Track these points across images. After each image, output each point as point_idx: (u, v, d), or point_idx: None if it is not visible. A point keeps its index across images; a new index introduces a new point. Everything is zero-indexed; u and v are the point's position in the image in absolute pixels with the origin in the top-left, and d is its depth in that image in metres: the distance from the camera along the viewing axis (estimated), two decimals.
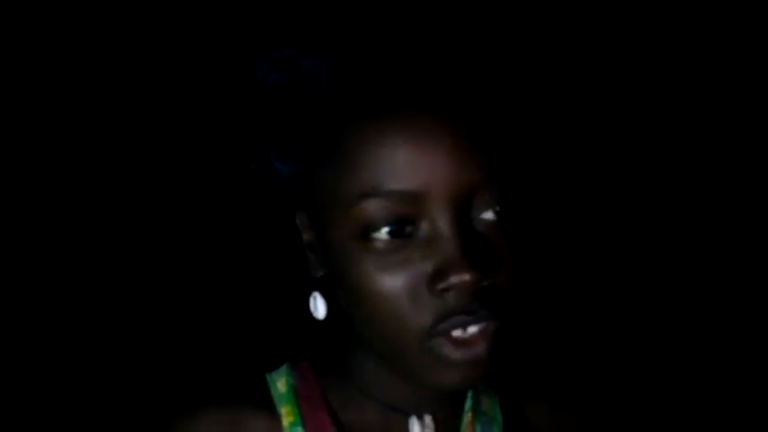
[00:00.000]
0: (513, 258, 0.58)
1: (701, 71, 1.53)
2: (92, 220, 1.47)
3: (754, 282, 1.55)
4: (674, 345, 1.57)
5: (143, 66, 1.44)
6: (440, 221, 0.56)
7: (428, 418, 0.64)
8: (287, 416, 0.67)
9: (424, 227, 0.57)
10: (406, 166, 0.56)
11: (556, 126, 1.43)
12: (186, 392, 0.72)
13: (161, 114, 1.46)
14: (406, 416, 0.65)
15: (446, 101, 0.57)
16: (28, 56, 1.41)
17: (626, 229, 1.58)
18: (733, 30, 1.50)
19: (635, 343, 1.57)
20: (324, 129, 0.60)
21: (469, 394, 0.70)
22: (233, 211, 1.41)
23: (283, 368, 0.71)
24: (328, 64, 0.60)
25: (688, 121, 1.55)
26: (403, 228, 0.56)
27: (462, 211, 0.57)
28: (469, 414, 0.69)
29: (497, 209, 0.58)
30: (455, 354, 0.57)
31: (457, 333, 0.56)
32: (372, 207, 0.56)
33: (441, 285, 0.55)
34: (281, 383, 0.69)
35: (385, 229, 0.56)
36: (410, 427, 0.64)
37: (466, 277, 0.55)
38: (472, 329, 0.57)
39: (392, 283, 0.56)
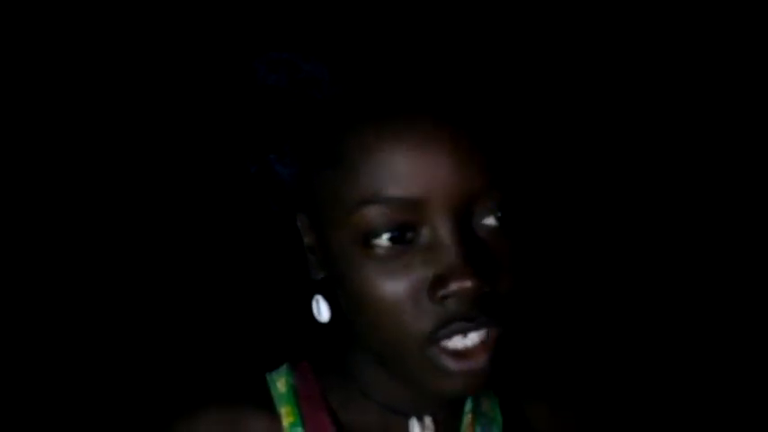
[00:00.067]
0: (514, 264, 0.58)
1: (701, 71, 1.52)
2: (92, 220, 1.47)
3: (755, 282, 1.55)
4: (674, 345, 1.57)
5: (143, 67, 1.44)
6: (441, 228, 0.56)
7: (428, 420, 0.64)
8: (287, 416, 0.67)
9: (425, 233, 0.57)
10: (406, 172, 0.55)
11: (557, 131, 1.43)
12: (186, 392, 0.72)
13: (161, 116, 1.46)
14: (406, 417, 0.65)
15: (447, 107, 0.57)
16: (28, 56, 1.41)
17: (626, 230, 1.58)
18: (733, 30, 1.50)
19: (635, 343, 1.57)
20: (324, 132, 0.60)
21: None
22: (233, 212, 1.41)
23: (283, 368, 0.71)
24: (329, 68, 0.60)
25: (688, 121, 1.55)
26: (404, 234, 0.56)
27: (463, 218, 0.57)
28: (469, 415, 0.69)
29: (499, 215, 0.58)
30: (455, 365, 0.57)
31: (457, 340, 0.56)
32: (373, 213, 0.56)
33: (441, 292, 0.55)
34: (280, 383, 0.69)
35: (386, 236, 0.56)
36: (410, 429, 0.64)
37: (467, 284, 0.54)
38: (473, 336, 0.56)
39: (393, 288, 0.56)
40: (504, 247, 0.58)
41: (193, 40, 1.42)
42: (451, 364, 0.57)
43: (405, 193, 0.55)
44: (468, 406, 0.69)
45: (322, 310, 0.64)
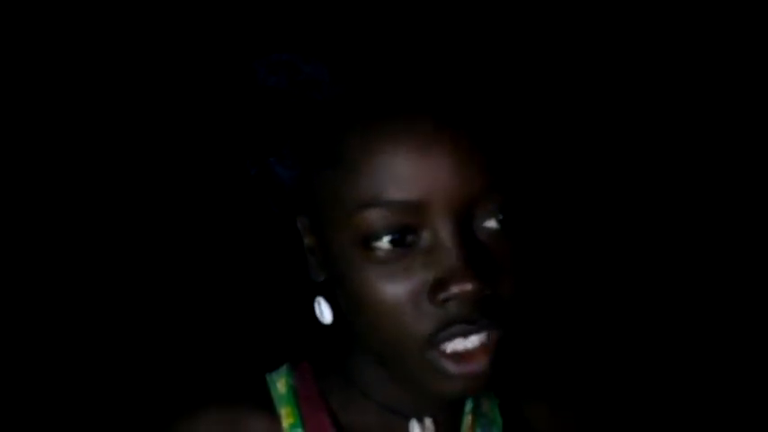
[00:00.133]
0: (515, 267, 0.58)
1: (701, 71, 1.52)
2: (92, 221, 1.47)
3: (755, 282, 1.55)
4: (674, 345, 1.57)
5: (143, 68, 1.44)
6: (441, 231, 0.56)
7: (428, 421, 0.64)
8: (287, 417, 0.67)
9: (426, 236, 0.57)
10: (407, 174, 0.55)
11: (558, 134, 1.43)
12: (186, 392, 0.72)
13: (162, 118, 1.46)
14: (407, 418, 0.65)
15: (447, 109, 0.57)
16: (28, 56, 1.41)
17: (626, 231, 1.58)
18: (733, 30, 1.50)
19: (635, 343, 1.57)
20: (324, 134, 0.60)
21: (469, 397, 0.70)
22: (234, 213, 1.41)
23: (283, 369, 0.71)
24: (329, 70, 0.60)
25: (688, 123, 1.55)
26: (404, 237, 0.56)
27: (464, 220, 0.57)
28: (470, 416, 0.69)
29: (500, 217, 0.58)
30: (455, 368, 0.57)
31: (457, 342, 0.56)
32: (373, 216, 0.56)
33: (442, 295, 0.55)
34: (280, 384, 0.69)
35: (386, 238, 0.56)
36: (410, 430, 0.64)
37: (467, 287, 0.54)
38: (473, 338, 0.56)
39: (393, 291, 0.56)
40: (505, 249, 0.58)
41: (193, 42, 1.42)
42: (452, 367, 0.57)
43: (405, 196, 0.55)
44: (469, 407, 0.69)
45: (324, 311, 0.64)
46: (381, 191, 0.56)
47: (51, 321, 1.45)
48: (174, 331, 1.48)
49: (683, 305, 1.58)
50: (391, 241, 0.56)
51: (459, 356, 0.57)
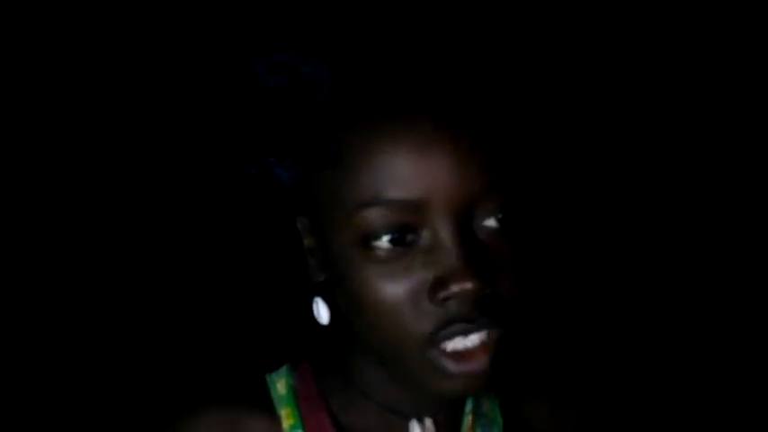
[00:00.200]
0: (514, 266, 0.58)
1: (701, 71, 1.52)
2: (93, 221, 1.47)
3: (755, 282, 1.55)
4: (674, 345, 1.57)
5: (143, 69, 1.44)
6: (441, 230, 0.56)
7: (429, 421, 0.64)
8: (287, 418, 0.67)
9: (426, 235, 0.57)
10: (406, 174, 0.55)
11: (558, 133, 1.43)
12: (186, 392, 0.72)
13: (162, 118, 1.46)
14: (407, 419, 0.65)
15: (447, 109, 0.57)
16: (28, 56, 1.41)
17: (626, 231, 1.58)
18: (733, 30, 1.50)
19: (635, 343, 1.57)
20: (324, 135, 0.60)
21: (470, 397, 0.70)
22: (234, 213, 1.41)
23: (283, 369, 0.71)
24: (329, 70, 0.60)
25: (688, 123, 1.54)
26: (404, 236, 0.56)
27: (464, 220, 0.57)
28: (470, 416, 0.69)
29: (499, 216, 0.58)
30: (455, 367, 0.57)
31: (458, 341, 0.56)
32: (373, 215, 0.56)
33: (442, 294, 0.55)
34: (280, 385, 0.69)
35: (386, 238, 0.56)
36: (410, 431, 0.64)
37: (467, 286, 0.54)
38: (473, 337, 0.57)
39: (393, 290, 0.56)
40: (505, 248, 0.58)
41: (193, 43, 1.42)
42: (452, 366, 0.57)
43: (405, 195, 0.55)
44: (469, 407, 0.69)
45: (321, 312, 0.64)
46: (381, 190, 0.56)
47: (51, 321, 1.45)
48: (174, 332, 1.48)
49: (684, 305, 1.58)
50: (391, 240, 0.56)
51: (459, 355, 0.57)
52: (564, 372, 1.36)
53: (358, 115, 0.58)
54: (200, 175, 1.46)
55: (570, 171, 1.51)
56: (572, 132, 1.49)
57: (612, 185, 1.57)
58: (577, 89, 1.47)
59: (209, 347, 1.47)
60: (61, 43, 1.42)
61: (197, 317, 1.49)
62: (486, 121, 0.58)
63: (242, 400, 0.68)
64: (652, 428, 1.54)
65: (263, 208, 0.67)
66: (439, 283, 0.56)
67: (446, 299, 0.56)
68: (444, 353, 0.57)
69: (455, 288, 0.55)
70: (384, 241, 0.56)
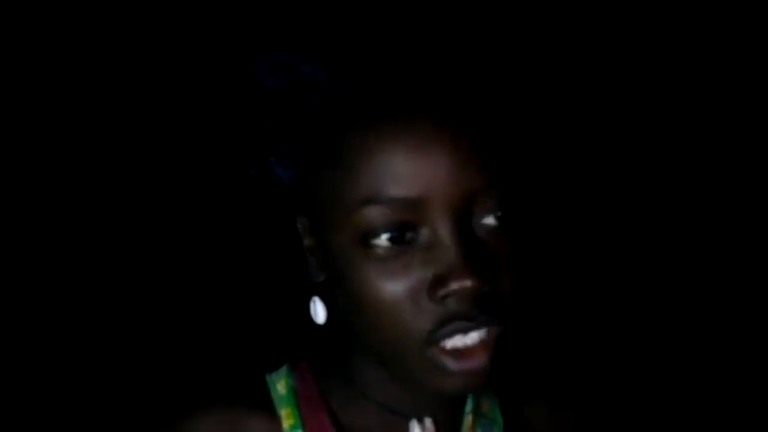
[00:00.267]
0: (514, 264, 0.58)
1: (701, 71, 1.52)
2: (92, 221, 1.47)
3: (755, 282, 1.55)
4: (674, 345, 1.57)
5: (143, 69, 1.44)
6: (440, 228, 0.56)
7: (428, 421, 0.64)
8: (287, 418, 0.67)
9: (425, 233, 0.57)
10: (406, 172, 0.55)
11: (557, 130, 1.43)
12: (186, 393, 0.72)
13: (161, 118, 1.46)
14: (407, 418, 0.65)
15: (446, 107, 0.57)
16: (28, 56, 1.41)
17: (626, 231, 1.58)
18: (733, 30, 1.50)
19: (635, 343, 1.57)
20: (323, 134, 0.60)
21: (470, 396, 0.70)
22: (234, 213, 1.41)
23: (283, 369, 0.71)
24: (328, 70, 0.60)
25: (688, 121, 1.54)
26: (403, 234, 0.56)
27: (463, 217, 0.57)
28: (470, 416, 0.69)
29: (498, 214, 0.58)
30: (455, 365, 0.57)
31: (457, 339, 0.57)
32: (373, 214, 0.56)
33: (441, 292, 0.55)
34: (280, 385, 0.69)
35: (385, 236, 0.56)
36: (410, 431, 0.64)
37: (467, 283, 0.55)
38: (473, 335, 0.57)
39: (392, 289, 0.56)
40: (504, 246, 0.58)
41: (193, 43, 1.42)
42: (451, 364, 0.57)
43: (405, 193, 0.56)
44: (469, 407, 0.69)
45: (318, 311, 0.64)
46: (381, 188, 0.56)
47: (51, 321, 1.45)
48: (174, 332, 1.48)
49: (683, 305, 1.58)
50: (390, 239, 0.56)
51: (458, 353, 0.57)
52: (564, 372, 1.36)
53: (357, 115, 0.58)
54: (200, 176, 1.46)
55: (570, 169, 1.51)
56: (572, 131, 1.49)
57: (612, 184, 1.57)
58: (577, 88, 1.47)
59: (209, 348, 1.46)
60: (61, 43, 1.42)
61: (197, 317, 1.49)
62: (486, 119, 0.58)
63: (242, 400, 0.68)
64: (652, 428, 1.54)
65: (263, 208, 0.67)
66: (438, 281, 0.56)
67: (446, 296, 0.56)
68: (444, 351, 0.57)
69: (455, 286, 0.55)
70: (383, 239, 0.56)
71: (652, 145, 1.56)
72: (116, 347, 1.47)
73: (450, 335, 0.56)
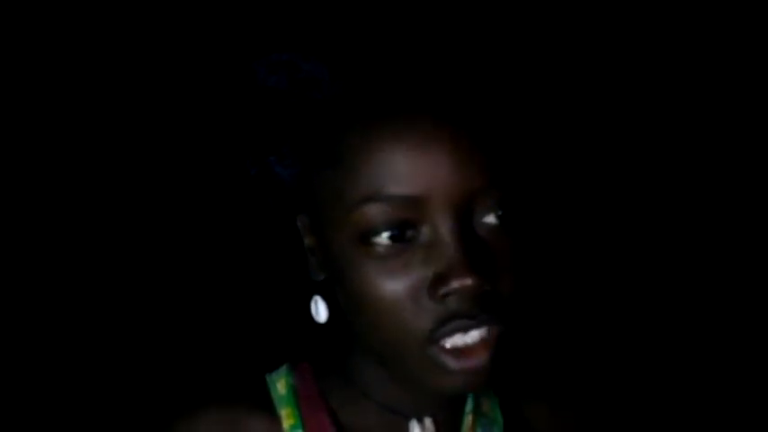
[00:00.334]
0: (514, 263, 0.58)
1: (701, 71, 1.52)
2: (92, 221, 1.47)
3: (755, 282, 1.55)
4: (674, 345, 1.57)
5: (143, 68, 1.44)
6: (441, 226, 0.56)
7: (428, 421, 0.64)
8: (287, 418, 0.67)
9: (426, 231, 0.57)
10: (406, 170, 0.55)
11: (557, 130, 1.43)
12: (186, 393, 0.72)
13: (162, 118, 1.46)
14: (407, 418, 0.65)
15: (447, 105, 0.57)
16: (28, 56, 1.41)
17: (626, 230, 1.58)
18: (733, 30, 1.50)
19: (635, 343, 1.57)
20: (324, 133, 0.60)
21: (470, 396, 0.70)
22: (234, 212, 1.41)
23: (283, 369, 0.71)
24: (329, 68, 0.60)
25: (688, 121, 1.55)
26: (404, 232, 0.56)
27: (464, 216, 0.57)
28: (470, 416, 0.69)
29: (499, 213, 0.58)
30: (455, 364, 0.57)
31: (458, 338, 0.56)
32: (373, 212, 0.56)
33: (442, 290, 0.55)
34: (280, 385, 0.69)
35: (386, 234, 0.56)
36: (410, 431, 0.64)
37: (467, 282, 0.55)
38: (473, 333, 0.57)
39: (393, 287, 0.56)
40: (505, 245, 0.58)
41: (193, 42, 1.42)
42: (452, 363, 0.57)
43: (405, 191, 0.56)
44: (469, 407, 0.69)
45: (320, 310, 0.64)
46: (381, 186, 0.56)
47: (51, 321, 1.45)
48: (174, 332, 1.48)
49: (684, 305, 1.57)
50: (391, 237, 0.56)
51: (459, 352, 0.57)
52: (564, 372, 1.36)
53: (358, 113, 0.58)
54: (201, 175, 1.46)
55: (570, 168, 1.51)
56: (572, 130, 1.49)
57: (612, 184, 1.57)
58: (577, 87, 1.47)
59: (209, 347, 1.46)
60: (61, 43, 1.42)
61: (197, 317, 1.49)
62: (486, 118, 0.58)
63: (242, 400, 0.68)
64: (652, 428, 1.54)
65: (263, 207, 0.67)
66: (439, 280, 0.56)
67: (446, 295, 0.56)
68: (444, 349, 0.57)
69: (455, 284, 0.55)
70: (384, 238, 0.56)
71: (652, 144, 1.56)
72: (116, 347, 1.47)
73: (451, 333, 0.56)
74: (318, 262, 0.64)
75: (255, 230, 1.36)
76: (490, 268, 0.56)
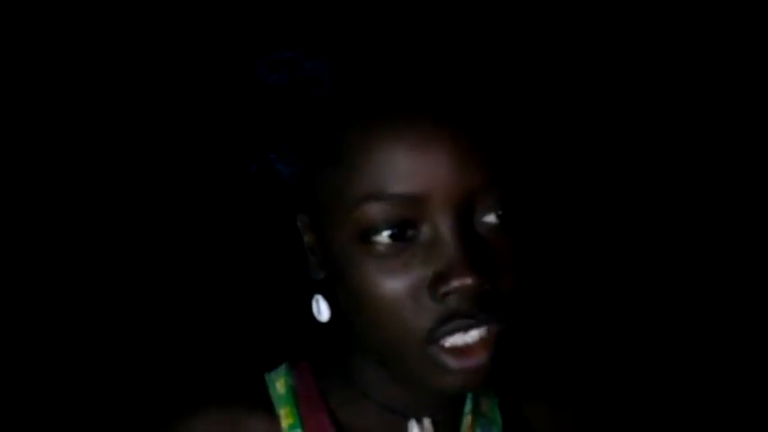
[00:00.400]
0: (515, 262, 0.58)
1: (701, 71, 1.52)
2: (92, 220, 1.47)
3: (755, 282, 1.55)
4: (674, 345, 1.57)
5: (144, 67, 1.44)
6: (441, 225, 0.56)
7: (427, 422, 0.64)
8: (286, 417, 0.67)
9: (426, 230, 0.57)
10: (407, 169, 0.55)
11: (558, 129, 1.43)
12: (186, 392, 0.72)
13: (162, 116, 1.46)
14: (406, 418, 0.65)
15: (447, 104, 0.57)
16: (28, 56, 1.41)
17: (626, 230, 1.58)
18: (733, 30, 1.50)
19: (635, 343, 1.57)
20: (325, 131, 0.60)
21: (469, 396, 0.69)
22: (234, 211, 1.41)
23: (282, 368, 0.71)
24: (330, 66, 0.60)
25: (688, 121, 1.55)
26: (404, 231, 0.56)
27: (464, 215, 0.57)
28: (469, 416, 0.69)
29: (499, 212, 0.58)
30: (455, 363, 0.57)
31: (457, 337, 0.56)
32: (374, 210, 0.56)
33: (442, 289, 0.55)
34: (279, 384, 0.69)
35: (386, 233, 0.56)
36: (409, 431, 0.64)
37: (467, 281, 0.54)
38: (473, 333, 0.56)
39: (393, 286, 0.56)
40: (505, 244, 0.58)
41: (194, 41, 1.42)
42: (451, 362, 0.57)
43: (405, 190, 0.56)
44: (468, 407, 0.69)
45: (322, 309, 0.64)
46: (381, 185, 0.56)
47: (51, 321, 1.45)
48: (173, 331, 1.48)
49: (683, 305, 1.57)
50: (391, 236, 0.56)
51: (458, 351, 0.56)
52: (564, 372, 1.36)
53: (358, 112, 0.58)
54: (201, 173, 1.46)
55: (570, 167, 1.51)
56: (572, 129, 1.49)
57: (613, 183, 1.57)
58: (577, 86, 1.47)
59: (208, 347, 1.46)
60: (61, 43, 1.42)
61: (196, 316, 1.49)
62: (487, 117, 0.58)
63: (241, 399, 0.68)
64: (652, 428, 1.54)
65: (263, 205, 0.67)
66: (439, 279, 0.56)
67: (446, 294, 0.56)
68: (444, 349, 0.56)
69: (455, 283, 0.55)
70: (384, 236, 0.56)
71: (652, 144, 1.56)
72: (116, 347, 1.47)
73: (451, 333, 0.56)
74: (318, 261, 0.64)
75: (255, 229, 1.36)
76: (490, 267, 0.56)
